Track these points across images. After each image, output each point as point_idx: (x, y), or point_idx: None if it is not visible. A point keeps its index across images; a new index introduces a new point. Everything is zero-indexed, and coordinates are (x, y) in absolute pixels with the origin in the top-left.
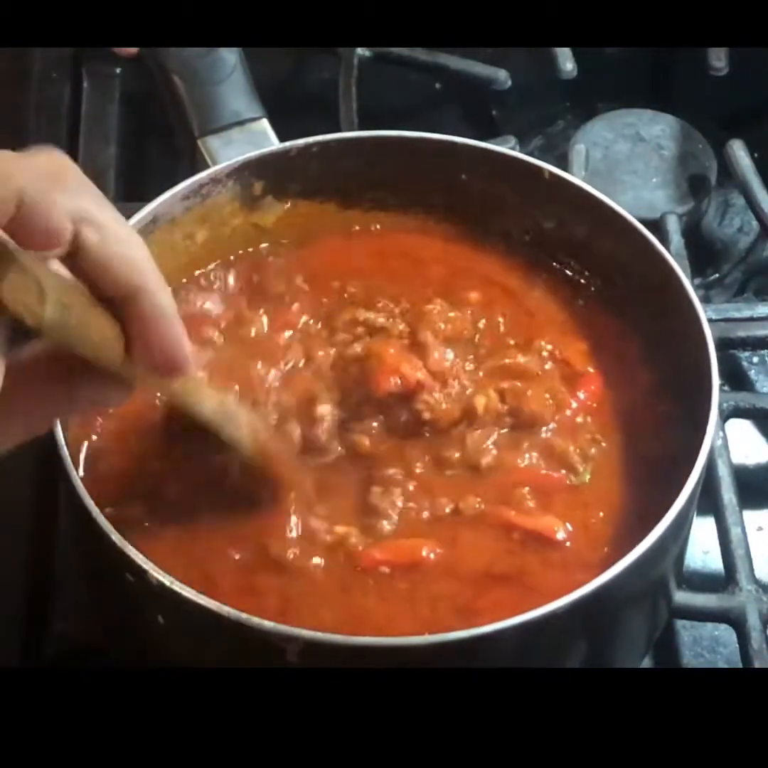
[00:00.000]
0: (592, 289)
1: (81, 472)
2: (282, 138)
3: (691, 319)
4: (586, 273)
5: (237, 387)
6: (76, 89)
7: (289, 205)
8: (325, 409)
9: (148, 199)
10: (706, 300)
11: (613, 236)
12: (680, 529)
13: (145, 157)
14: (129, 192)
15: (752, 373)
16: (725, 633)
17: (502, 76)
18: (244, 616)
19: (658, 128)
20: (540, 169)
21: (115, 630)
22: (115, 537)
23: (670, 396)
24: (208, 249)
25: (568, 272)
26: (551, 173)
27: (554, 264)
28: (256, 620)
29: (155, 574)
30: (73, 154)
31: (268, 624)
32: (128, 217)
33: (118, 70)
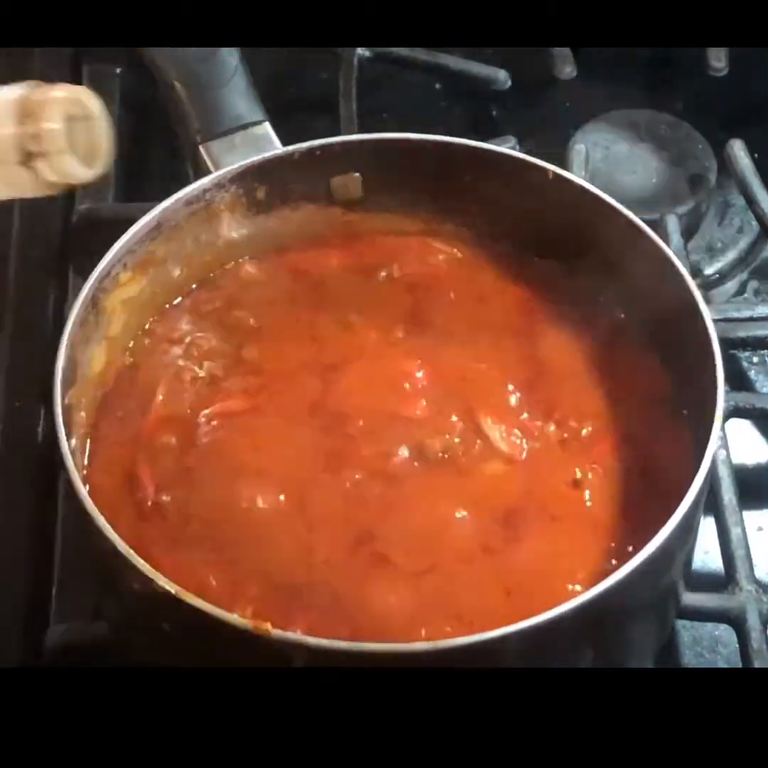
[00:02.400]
0: (595, 289)
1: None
2: (282, 138)
3: (697, 323)
4: (590, 273)
5: None
6: None
7: (292, 209)
8: None
9: (149, 199)
10: (705, 300)
11: (617, 236)
12: (686, 535)
13: (145, 158)
14: (130, 192)
15: (752, 373)
16: (725, 633)
17: (502, 76)
18: (251, 625)
19: (658, 128)
20: (542, 168)
21: (120, 635)
22: (122, 547)
23: (675, 401)
24: (214, 254)
25: (569, 271)
26: (554, 173)
27: (554, 264)
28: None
29: (162, 584)
30: None
31: (275, 632)
32: (131, 220)
33: (118, 71)
